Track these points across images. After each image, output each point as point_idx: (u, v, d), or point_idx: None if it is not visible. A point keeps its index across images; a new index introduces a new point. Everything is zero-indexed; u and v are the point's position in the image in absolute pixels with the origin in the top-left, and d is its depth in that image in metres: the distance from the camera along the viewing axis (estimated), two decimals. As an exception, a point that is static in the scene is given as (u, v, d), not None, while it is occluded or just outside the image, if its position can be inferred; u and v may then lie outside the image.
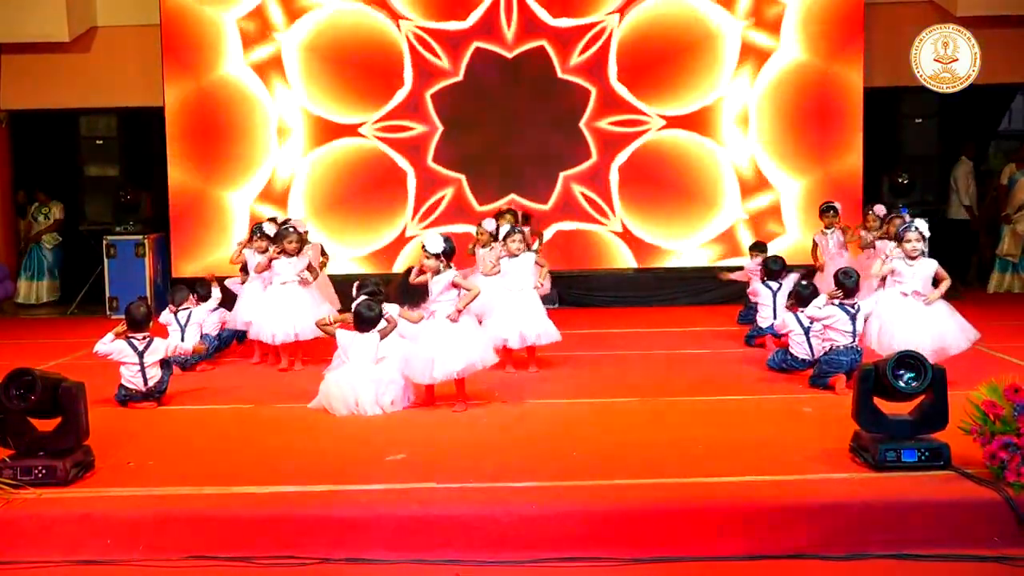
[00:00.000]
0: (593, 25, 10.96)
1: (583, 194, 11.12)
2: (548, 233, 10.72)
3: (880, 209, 8.98)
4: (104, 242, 10.96)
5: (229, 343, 8.25)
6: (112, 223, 11.13)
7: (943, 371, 4.76)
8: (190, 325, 7.79)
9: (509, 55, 10.98)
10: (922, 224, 6.76)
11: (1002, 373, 4.70)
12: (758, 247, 9.65)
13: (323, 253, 9.54)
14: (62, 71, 11.34)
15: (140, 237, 11.01)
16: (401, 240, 11.08)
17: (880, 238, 8.51)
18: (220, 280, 8.35)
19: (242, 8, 10.98)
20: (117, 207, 11.13)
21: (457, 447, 5.42)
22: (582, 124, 11.02)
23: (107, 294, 10.95)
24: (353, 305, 6.62)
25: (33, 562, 4.29)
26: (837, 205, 9.44)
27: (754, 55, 11.00)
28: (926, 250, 6.83)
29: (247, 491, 4.65)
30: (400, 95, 11.01)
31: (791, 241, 10.92)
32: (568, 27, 10.96)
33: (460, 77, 10.99)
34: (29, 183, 12.31)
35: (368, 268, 10.73)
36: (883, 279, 6.85)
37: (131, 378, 6.51)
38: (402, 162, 11.07)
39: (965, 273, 12.01)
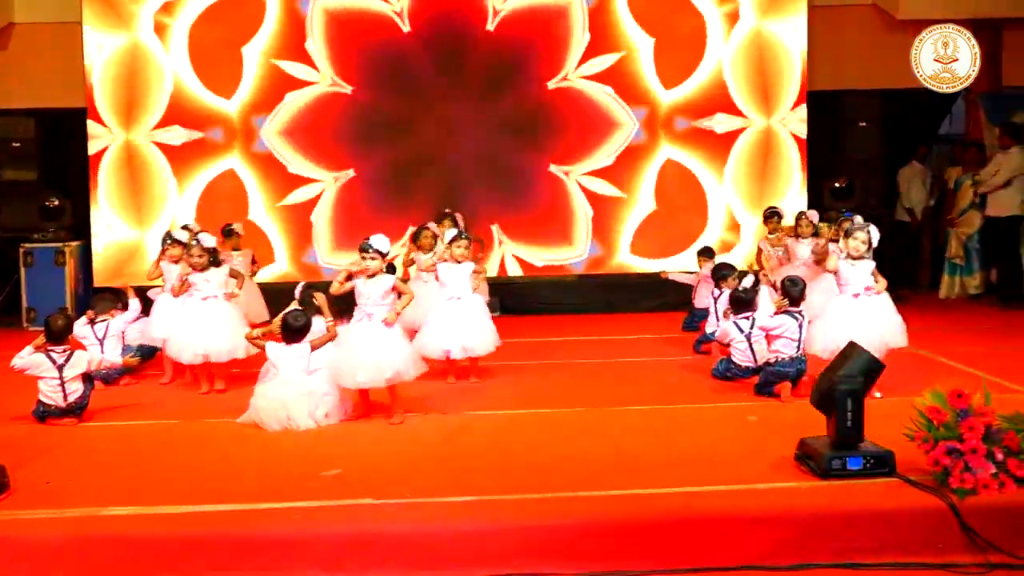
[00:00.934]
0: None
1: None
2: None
3: (813, 215, 9.05)
4: (21, 250, 10.70)
5: (152, 356, 7.99)
6: (30, 230, 10.88)
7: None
8: (109, 337, 7.62)
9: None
10: (874, 231, 6.88)
11: (946, 378, 4.81)
12: (706, 253, 9.77)
13: (253, 261, 9.43)
14: (-25, 70, 11.08)
15: (60, 245, 10.76)
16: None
17: (833, 240, 8.52)
18: (139, 291, 8.15)
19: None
20: (38, 213, 10.89)
21: (395, 461, 5.38)
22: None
23: (24, 305, 10.67)
24: (281, 315, 6.55)
25: (-56, 590, 4.18)
26: (781, 210, 9.59)
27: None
28: (868, 255, 6.92)
29: (174, 511, 4.57)
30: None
31: (736, 247, 11.07)
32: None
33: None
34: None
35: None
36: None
37: (50, 393, 6.36)
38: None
39: (914, 277, 12.23)
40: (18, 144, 10.94)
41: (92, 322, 7.69)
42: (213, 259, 7.38)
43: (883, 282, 6.86)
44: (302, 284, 6.98)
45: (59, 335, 6.46)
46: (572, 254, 11.18)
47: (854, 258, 6.83)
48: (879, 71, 10.91)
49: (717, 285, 8.32)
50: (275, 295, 8.76)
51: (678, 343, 8.88)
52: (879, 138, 11.28)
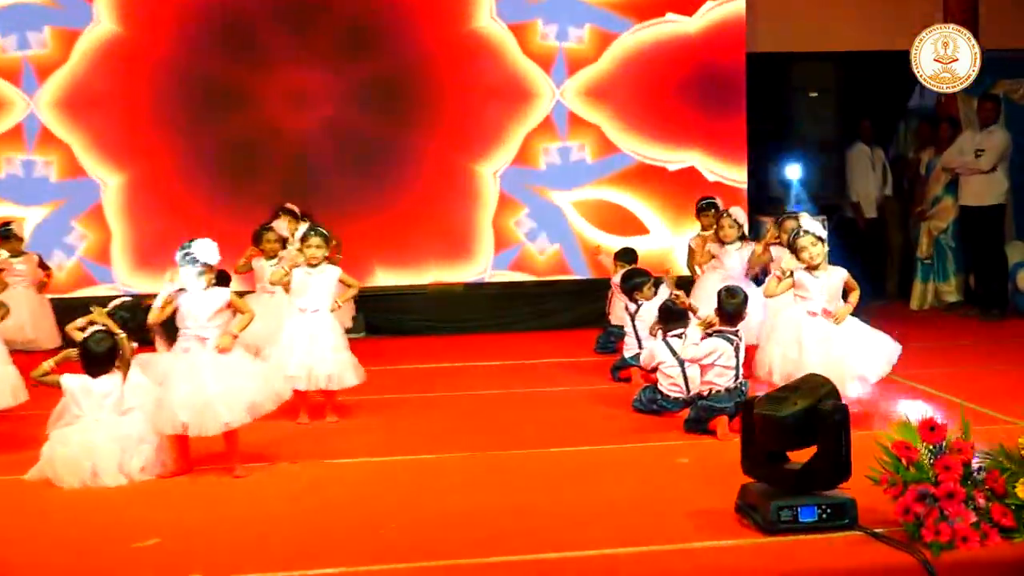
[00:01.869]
0: None
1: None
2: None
3: (738, 213, 9.13)
4: None
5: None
6: None
7: (844, 409, 4.97)
8: None
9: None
10: (814, 224, 7.06)
11: (917, 407, 4.95)
12: (625, 257, 9.75)
13: (42, 266, 9.24)
14: None
15: None
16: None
17: (772, 243, 8.59)
18: None
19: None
20: None
21: (230, 527, 5.33)
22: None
23: None
24: (79, 339, 6.40)
25: None
26: (718, 201, 9.70)
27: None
28: (825, 256, 7.07)
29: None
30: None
31: (657, 245, 11.28)
32: None
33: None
34: None
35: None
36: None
37: None
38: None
39: (880, 284, 12.57)
40: None
41: None
42: None
43: (857, 291, 7.04)
44: (123, 298, 6.93)
45: None
46: (472, 271, 11.32)
47: (814, 268, 7.00)
48: (833, 31, 11.23)
49: (631, 298, 8.40)
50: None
51: (591, 368, 8.99)
52: (834, 111, 11.54)
